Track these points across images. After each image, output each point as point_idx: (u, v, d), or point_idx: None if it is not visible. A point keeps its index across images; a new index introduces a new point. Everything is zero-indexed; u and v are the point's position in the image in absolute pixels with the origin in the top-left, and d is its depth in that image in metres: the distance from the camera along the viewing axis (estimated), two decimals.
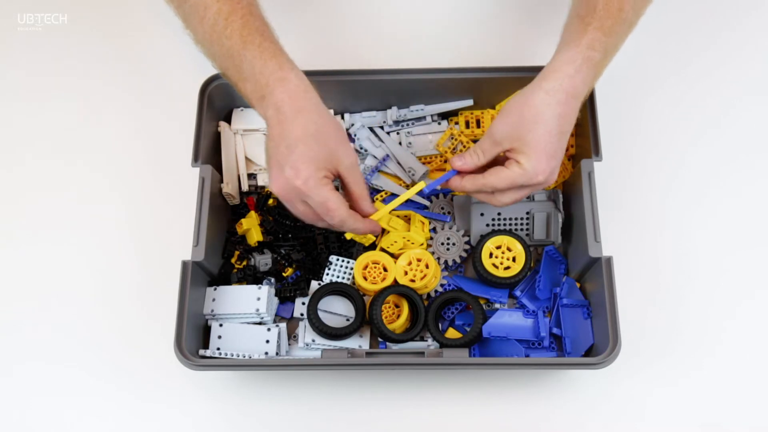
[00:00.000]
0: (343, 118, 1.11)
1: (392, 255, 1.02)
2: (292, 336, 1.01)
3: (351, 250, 1.05)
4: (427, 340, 1.00)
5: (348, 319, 1.00)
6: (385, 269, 1.01)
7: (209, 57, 0.95)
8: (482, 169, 0.92)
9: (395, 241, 1.01)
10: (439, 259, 1.03)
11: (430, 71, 1.05)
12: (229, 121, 1.09)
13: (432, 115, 1.11)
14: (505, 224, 1.03)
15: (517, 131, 0.87)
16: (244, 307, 0.98)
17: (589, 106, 1.01)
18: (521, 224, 1.03)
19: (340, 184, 0.92)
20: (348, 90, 1.07)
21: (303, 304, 1.00)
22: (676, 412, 0.98)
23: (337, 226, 0.90)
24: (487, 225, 1.03)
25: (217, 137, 1.07)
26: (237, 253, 1.04)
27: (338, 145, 0.89)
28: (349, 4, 1.23)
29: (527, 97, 0.88)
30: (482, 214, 1.03)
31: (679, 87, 1.16)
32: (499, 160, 0.92)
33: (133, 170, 1.13)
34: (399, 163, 1.08)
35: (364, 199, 0.92)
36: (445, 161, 1.08)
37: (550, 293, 1.01)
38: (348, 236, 1.01)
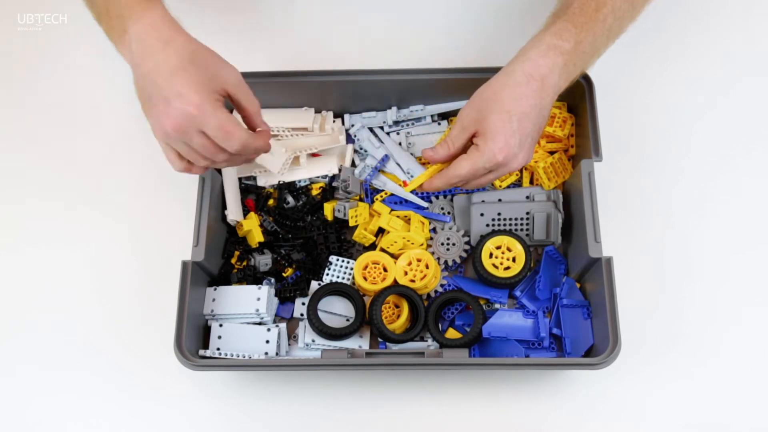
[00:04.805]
0: (342, 118, 1.11)
1: (392, 255, 1.02)
2: (292, 336, 1.01)
3: (351, 250, 1.05)
4: (427, 341, 1.00)
5: (348, 319, 1.00)
6: (385, 269, 1.01)
7: (90, 7, 0.90)
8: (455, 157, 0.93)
9: (395, 241, 1.01)
10: (439, 259, 1.03)
11: (430, 71, 1.05)
12: None
13: (432, 116, 1.11)
14: (505, 224, 1.03)
15: (479, 113, 0.89)
16: (244, 308, 0.98)
17: (589, 106, 1.01)
18: (521, 224, 1.03)
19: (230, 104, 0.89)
20: (348, 90, 1.07)
21: (303, 304, 1.00)
22: (676, 413, 0.98)
23: (238, 150, 0.84)
24: (487, 225, 1.03)
25: None
26: (237, 253, 1.04)
27: (218, 65, 0.85)
28: (349, 4, 1.23)
29: (491, 82, 0.90)
30: (482, 214, 1.03)
31: (679, 87, 1.16)
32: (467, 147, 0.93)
33: (133, 170, 1.12)
34: (398, 164, 1.08)
35: (257, 114, 0.88)
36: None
37: (550, 293, 1.01)
38: (354, 238, 1.01)
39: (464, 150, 0.93)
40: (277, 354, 0.97)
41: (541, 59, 0.88)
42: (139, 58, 0.83)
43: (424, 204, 1.06)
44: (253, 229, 1.04)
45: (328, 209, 1.05)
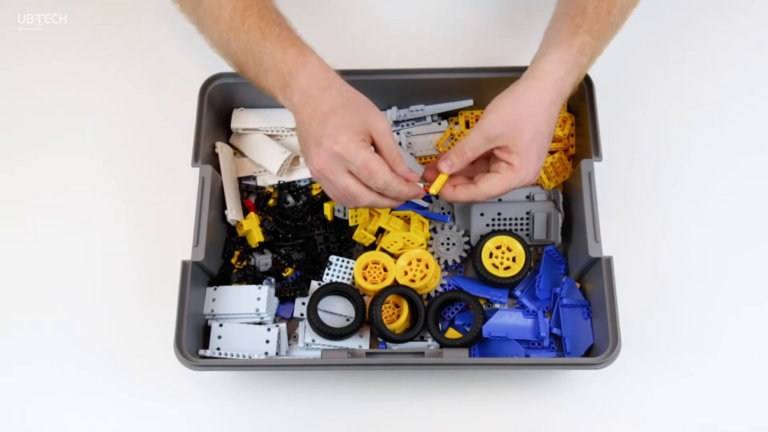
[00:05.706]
0: None
1: (392, 255, 1.02)
2: (292, 336, 1.01)
3: (351, 250, 1.05)
4: (427, 340, 1.00)
5: (348, 319, 1.00)
6: (385, 269, 1.01)
7: (225, 56, 0.95)
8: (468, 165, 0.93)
9: (395, 241, 1.01)
10: (439, 259, 1.03)
11: (430, 71, 1.05)
12: (229, 121, 1.09)
13: (432, 115, 1.11)
14: (505, 224, 1.03)
15: (511, 130, 0.88)
16: (244, 307, 0.98)
17: (589, 106, 1.01)
18: (521, 224, 1.03)
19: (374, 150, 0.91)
20: None
21: (303, 304, 1.00)
22: (675, 413, 0.98)
23: (382, 188, 0.88)
24: (487, 225, 1.03)
25: (217, 137, 1.07)
26: (237, 253, 1.04)
27: (369, 112, 0.89)
28: (348, 4, 1.23)
29: (521, 96, 0.89)
30: (482, 214, 1.03)
31: (679, 86, 1.16)
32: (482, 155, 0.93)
33: (134, 170, 1.12)
34: None
35: (398, 164, 0.90)
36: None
37: (550, 293, 1.01)
38: (354, 238, 1.01)
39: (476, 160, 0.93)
40: (277, 354, 0.97)
41: (567, 77, 0.89)
42: (300, 106, 0.88)
43: (424, 204, 1.06)
44: (253, 229, 1.04)
45: (328, 209, 1.05)
